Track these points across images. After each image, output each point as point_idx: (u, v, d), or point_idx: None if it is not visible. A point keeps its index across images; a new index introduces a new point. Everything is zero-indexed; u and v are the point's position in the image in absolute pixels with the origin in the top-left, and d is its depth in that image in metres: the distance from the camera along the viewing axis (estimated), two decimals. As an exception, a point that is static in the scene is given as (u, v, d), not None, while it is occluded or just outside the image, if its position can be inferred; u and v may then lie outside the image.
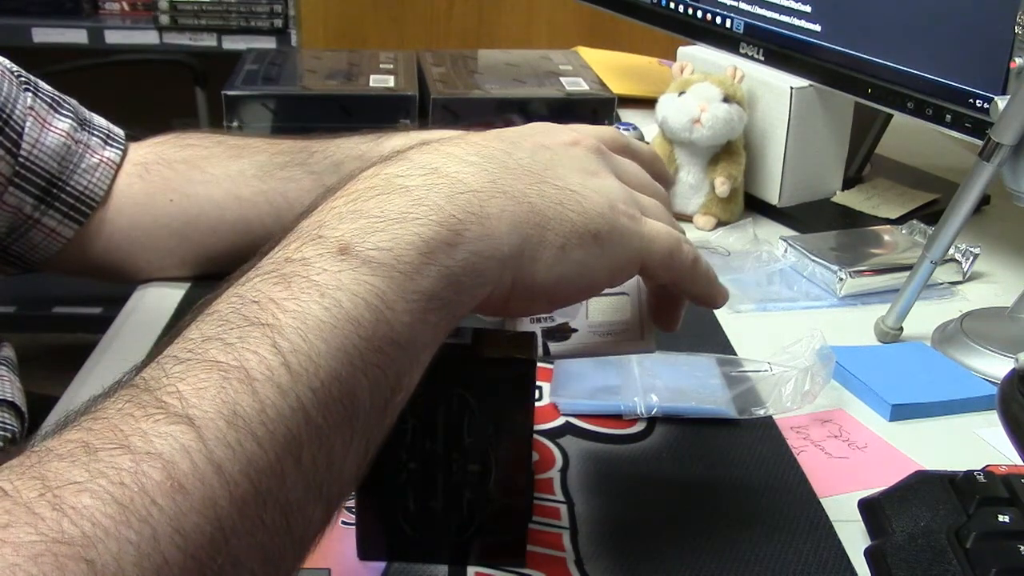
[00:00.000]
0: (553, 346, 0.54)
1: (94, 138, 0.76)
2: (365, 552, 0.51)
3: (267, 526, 0.34)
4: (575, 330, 0.54)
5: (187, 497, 0.31)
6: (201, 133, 0.80)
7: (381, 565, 0.51)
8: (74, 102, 0.77)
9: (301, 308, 0.36)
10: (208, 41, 2.26)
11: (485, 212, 0.42)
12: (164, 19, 2.23)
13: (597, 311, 0.54)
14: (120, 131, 0.79)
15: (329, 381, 0.36)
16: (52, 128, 0.73)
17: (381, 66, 1.20)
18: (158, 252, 0.77)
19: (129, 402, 0.33)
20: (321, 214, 0.41)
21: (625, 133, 0.53)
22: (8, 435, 0.70)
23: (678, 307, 0.53)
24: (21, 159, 0.71)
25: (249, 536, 0.33)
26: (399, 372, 0.38)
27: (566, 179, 0.45)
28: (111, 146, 0.77)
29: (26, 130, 0.71)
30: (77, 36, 2.27)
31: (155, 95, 2.40)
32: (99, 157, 0.75)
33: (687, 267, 0.49)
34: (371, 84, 1.13)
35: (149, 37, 2.26)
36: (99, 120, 0.78)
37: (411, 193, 0.41)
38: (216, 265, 0.77)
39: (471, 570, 0.51)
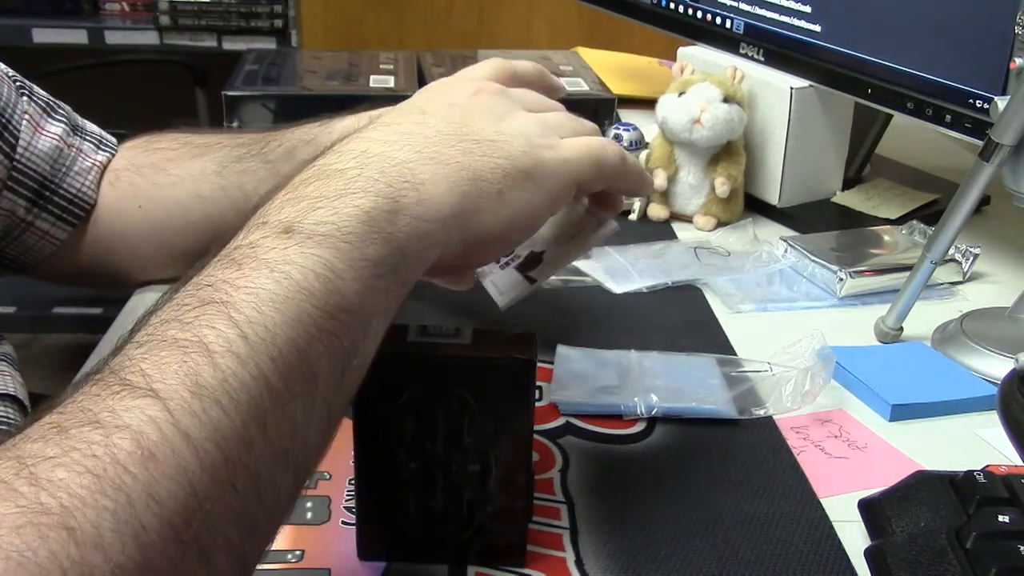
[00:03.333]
0: (535, 274, 0.57)
1: (87, 143, 0.76)
2: (365, 552, 0.51)
3: (239, 492, 0.35)
4: (543, 251, 0.57)
5: (158, 465, 0.32)
6: (173, 134, 0.79)
7: (381, 565, 0.51)
8: (67, 107, 0.77)
9: (253, 284, 0.38)
10: (208, 42, 2.26)
11: (418, 179, 0.44)
12: (164, 20, 2.23)
13: (549, 227, 0.57)
14: (112, 138, 0.79)
15: (287, 349, 0.37)
16: (45, 132, 0.73)
17: (381, 67, 1.20)
18: (137, 259, 0.77)
19: (95, 385, 0.35)
20: (264, 208, 0.43)
21: (510, 62, 0.57)
22: (12, 429, 0.70)
23: (616, 194, 0.58)
24: (15, 162, 0.71)
25: (222, 502, 0.34)
26: (354, 338, 0.40)
27: (482, 130, 0.48)
28: (103, 150, 0.76)
29: (20, 134, 0.71)
30: (77, 36, 2.27)
31: (155, 95, 2.40)
32: (92, 161, 0.75)
33: (617, 168, 0.53)
34: (371, 85, 1.13)
35: (149, 38, 2.26)
36: (91, 127, 0.78)
37: (346, 174, 0.43)
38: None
39: (471, 570, 0.51)
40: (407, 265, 0.43)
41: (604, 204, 0.58)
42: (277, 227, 0.40)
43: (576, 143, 0.51)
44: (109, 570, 0.30)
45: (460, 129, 0.48)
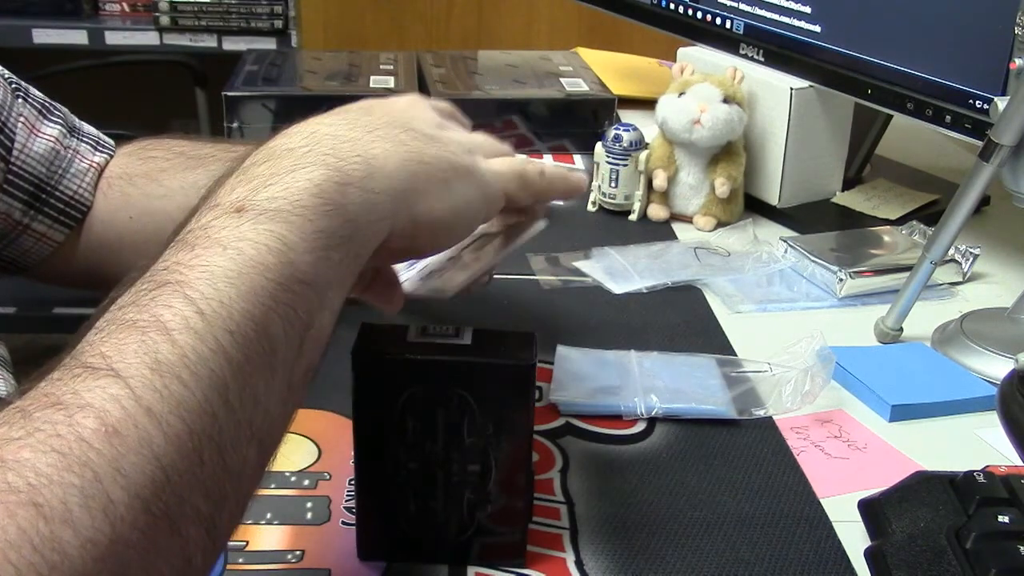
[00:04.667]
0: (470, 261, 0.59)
1: (84, 144, 0.75)
2: (365, 552, 0.51)
3: (205, 463, 0.35)
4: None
5: (123, 440, 0.33)
6: (168, 142, 0.78)
7: (381, 565, 0.51)
8: (64, 109, 0.76)
9: (207, 262, 0.39)
10: (208, 42, 2.26)
11: (369, 153, 0.45)
12: (164, 20, 2.23)
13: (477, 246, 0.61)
14: (110, 140, 0.78)
15: (244, 322, 0.38)
16: (41, 134, 0.72)
17: (381, 67, 1.20)
18: (129, 268, 0.76)
19: (56, 371, 0.36)
20: (215, 190, 0.43)
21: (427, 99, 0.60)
22: None
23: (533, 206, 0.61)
24: (10, 165, 0.70)
25: (189, 474, 0.35)
26: (310, 310, 0.41)
27: (424, 129, 0.50)
28: (101, 152, 0.76)
29: (15, 136, 0.71)
30: (77, 37, 2.27)
31: (155, 96, 2.40)
32: (88, 162, 0.75)
33: (539, 180, 0.56)
34: (371, 85, 1.13)
35: (149, 38, 2.26)
36: (89, 128, 0.78)
37: (295, 152, 0.44)
38: None
39: (471, 570, 0.51)
40: (359, 237, 0.44)
41: (524, 212, 0.61)
42: (229, 207, 0.41)
43: (502, 160, 0.54)
44: (79, 544, 0.31)
45: (404, 123, 0.50)
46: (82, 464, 0.32)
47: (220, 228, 0.40)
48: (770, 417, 0.64)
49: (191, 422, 0.35)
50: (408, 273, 0.59)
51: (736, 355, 0.72)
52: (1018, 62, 0.69)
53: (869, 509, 0.53)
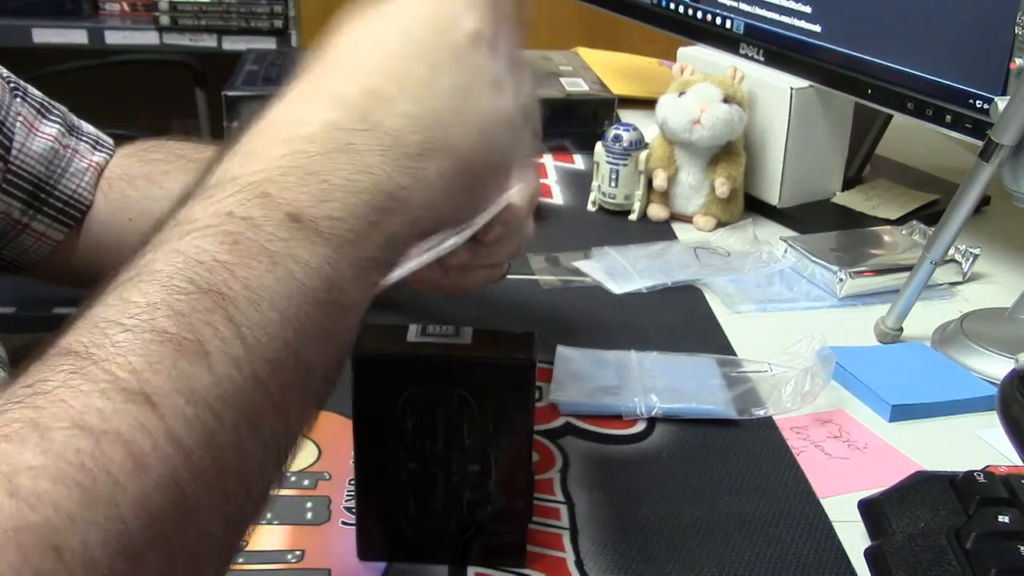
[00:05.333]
0: None
1: (83, 143, 0.75)
2: (365, 552, 0.51)
3: (229, 496, 0.34)
4: None
5: (149, 475, 0.31)
6: (170, 145, 0.78)
7: (381, 565, 0.51)
8: (63, 108, 0.76)
9: (254, 277, 0.36)
10: (208, 42, 2.26)
11: (427, 176, 0.42)
12: (164, 20, 2.23)
13: None
14: (109, 139, 0.78)
15: (283, 351, 0.36)
16: (40, 133, 0.72)
17: (381, 67, 1.20)
18: None
19: (74, 374, 0.32)
20: (261, 162, 0.40)
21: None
22: None
23: None
24: (9, 164, 0.70)
25: (213, 508, 0.33)
26: (346, 332, 0.40)
27: (483, 112, 0.45)
28: (100, 151, 0.76)
29: (14, 135, 0.71)
30: (77, 37, 2.27)
31: (155, 95, 2.40)
32: (88, 161, 0.75)
33: (515, 218, 0.53)
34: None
35: (149, 38, 2.27)
36: (88, 127, 0.78)
37: (358, 156, 0.40)
38: None
39: (471, 570, 0.51)
40: (395, 256, 0.42)
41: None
42: (282, 210, 0.38)
43: (532, 172, 0.52)
44: None
45: (465, 104, 0.45)
46: (107, 501, 0.30)
47: (270, 236, 0.37)
48: (770, 417, 0.64)
49: (219, 456, 0.33)
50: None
51: (736, 355, 0.72)
52: (1018, 62, 0.69)
53: (869, 509, 0.53)
